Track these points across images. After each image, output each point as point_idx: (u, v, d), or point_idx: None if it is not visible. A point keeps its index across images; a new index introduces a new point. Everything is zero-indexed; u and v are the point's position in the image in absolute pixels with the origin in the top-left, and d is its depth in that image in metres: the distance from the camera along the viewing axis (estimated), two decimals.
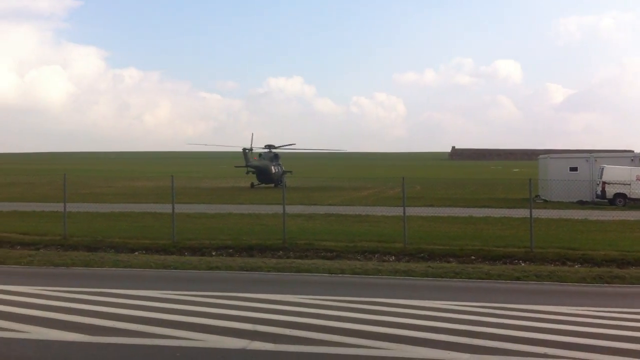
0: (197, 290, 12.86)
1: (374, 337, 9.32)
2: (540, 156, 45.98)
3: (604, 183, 35.71)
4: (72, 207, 24.74)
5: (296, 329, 9.76)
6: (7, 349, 8.80)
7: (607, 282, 14.54)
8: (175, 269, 15.99)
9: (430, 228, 23.35)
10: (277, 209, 24.27)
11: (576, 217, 26.55)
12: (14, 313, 10.72)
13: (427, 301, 11.96)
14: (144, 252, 18.99)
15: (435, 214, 26.99)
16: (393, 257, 18.07)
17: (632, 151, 49.04)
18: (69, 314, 10.70)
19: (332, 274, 15.34)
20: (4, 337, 9.30)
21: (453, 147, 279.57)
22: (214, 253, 18.86)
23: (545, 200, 37.13)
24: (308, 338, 9.27)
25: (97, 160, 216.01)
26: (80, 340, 9.18)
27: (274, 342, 9.06)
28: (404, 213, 19.73)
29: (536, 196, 36.87)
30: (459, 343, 9.03)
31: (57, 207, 25.63)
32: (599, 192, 36.12)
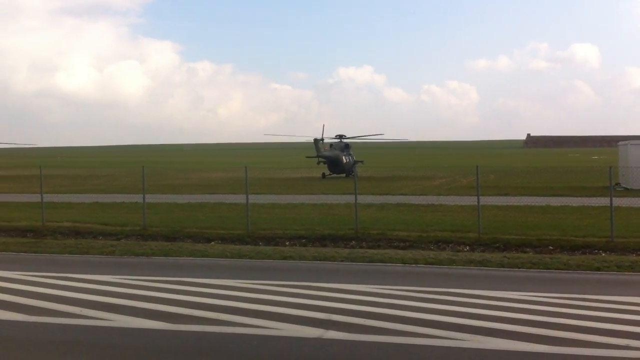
0: (272, 280, 13.05)
1: (448, 327, 9.25)
2: (620, 143, 44.23)
3: None
4: (151, 199, 25.49)
5: (370, 318, 9.80)
6: (94, 337, 9.20)
7: None
8: (250, 258, 16.26)
9: (506, 217, 22.89)
10: (349, 199, 24.31)
11: None
12: (99, 301, 11.17)
13: (503, 292, 11.75)
14: (219, 242, 19.39)
15: (511, 203, 26.43)
16: (467, 247, 17.83)
17: None
18: (149, 302, 11.06)
19: (405, 264, 15.26)
20: (89, 325, 9.73)
21: (528, 135, 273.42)
22: (287, 243, 19.09)
23: (626, 188, 35.78)
24: (382, 328, 9.29)
25: (172, 152, 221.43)
26: (161, 327, 9.49)
27: (349, 331, 9.12)
28: (478, 202, 19.45)
29: (616, 184, 35.59)
30: (536, 334, 8.85)
31: (136, 198, 26.52)
32: None
